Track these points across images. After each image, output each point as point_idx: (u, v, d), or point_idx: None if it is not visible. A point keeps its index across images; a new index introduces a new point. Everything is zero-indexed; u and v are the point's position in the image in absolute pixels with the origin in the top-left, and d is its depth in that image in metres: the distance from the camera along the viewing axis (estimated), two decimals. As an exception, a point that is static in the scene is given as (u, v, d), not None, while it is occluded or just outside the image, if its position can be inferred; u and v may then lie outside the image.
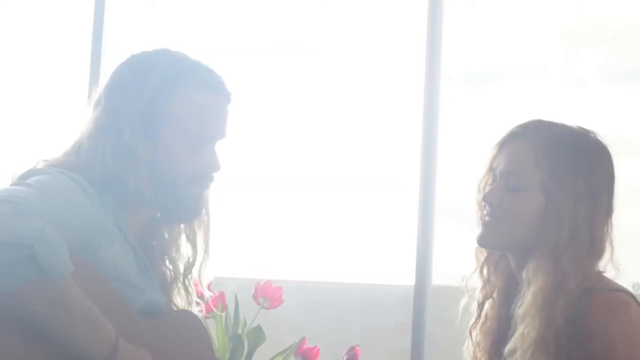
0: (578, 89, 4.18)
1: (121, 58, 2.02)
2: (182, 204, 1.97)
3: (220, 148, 2.02)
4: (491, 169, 2.09)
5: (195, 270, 2.06)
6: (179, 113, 1.94)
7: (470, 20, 4.24)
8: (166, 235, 2.06)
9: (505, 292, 2.10)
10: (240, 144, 4.25)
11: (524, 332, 1.95)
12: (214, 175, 2.01)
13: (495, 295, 2.11)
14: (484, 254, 2.12)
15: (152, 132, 1.93)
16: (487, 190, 2.08)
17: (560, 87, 4.18)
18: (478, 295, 2.14)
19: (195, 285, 2.12)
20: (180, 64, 1.98)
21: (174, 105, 1.94)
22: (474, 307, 2.14)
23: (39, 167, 1.91)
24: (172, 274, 2.05)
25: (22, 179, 1.84)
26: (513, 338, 1.98)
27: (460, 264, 2.19)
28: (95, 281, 1.79)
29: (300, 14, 4.50)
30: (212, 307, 2.14)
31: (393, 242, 4.22)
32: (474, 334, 2.13)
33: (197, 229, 2.06)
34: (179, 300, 2.05)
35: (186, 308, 2.05)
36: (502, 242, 2.04)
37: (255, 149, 4.35)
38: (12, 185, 1.81)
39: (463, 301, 2.15)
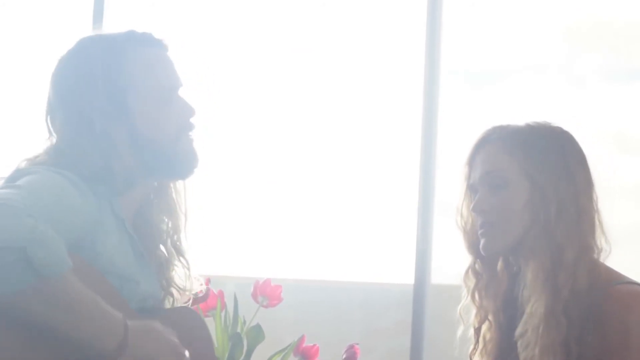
0: (578, 89, 4.18)
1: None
2: (175, 161, 1.97)
3: (186, 95, 2.02)
4: (469, 187, 2.11)
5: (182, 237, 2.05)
6: (135, 78, 1.94)
7: (470, 20, 4.24)
8: (158, 212, 2.04)
9: (500, 312, 2.12)
10: (240, 143, 4.25)
11: (532, 310, 1.97)
12: (192, 120, 2.00)
13: (490, 317, 2.13)
14: (472, 280, 2.14)
15: (120, 108, 1.92)
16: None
17: (560, 87, 4.18)
18: (473, 321, 2.15)
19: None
20: (109, 38, 1.98)
21: (126, 73, 1.93)
22: (471, 333, 2.16)
23: (22, 166, 1.90)
24: (167, 255, 2.04)
25: (10, 180, 1.82)
26: (522, 320, 2.00)
27: (459, 263, 2.18)
28: (92, 279, 1.76)
29: (299, 14, 4.50)
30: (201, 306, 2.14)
31: (392, 241, 4.22)
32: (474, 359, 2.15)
33: (176, 197, 2.05)
34: (178, 280, 2.04)
35: (186, 284, 2.04)
36: (507, 242, 2.05)
37: (256, 148, 4.35)
38: (1, 188, 1.77)
39: (459, 331, 2.16)
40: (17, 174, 1.83)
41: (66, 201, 1.79)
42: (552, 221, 2.00)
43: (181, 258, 2.04)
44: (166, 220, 2.04)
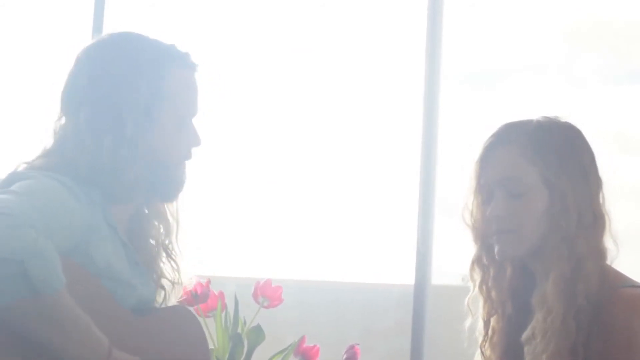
0: (578, 89, 4.19)
1: (83, 47, 1.98)
2: (172, 184, 1.98)
3: (199, 124, 2.03)
4: (480, 186, 2.08)
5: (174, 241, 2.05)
6: (170, 95, 1.94)
7: (470, 20, 4.24)
8: (155, 222, 2.04)
9: (508, 303, 2.11)
10: (241, 144, 4.25)
11: (545, 319, 1.96)
12: (193, 150, 2.00)
13: (499, 309, 2.12)
14: (479, 273, 2.13)
15: (151, 121, 1.92)
16: (483, 207, 2.08)
17: (560, 87, 4.19)
18: (482, 313, 2.14)
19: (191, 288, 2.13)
20: (157, 48, 1.97)
21: (164, 89, 1.93)
22: (480, 325, 2.15)
23: (19, 169, 1.88)
24: (158, 252, 2.04)
25: (5, 184, 1.80)
26: (531, 325, 1.99)
27: (460, 264, 2.18)
28: (84, 283, 1.77)
29: (300, 14, 4.51)
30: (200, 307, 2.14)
31: (393, 242, 4.22)
32: (484, 351, 2.14)
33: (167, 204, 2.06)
34: (168, 274, 2.04)
35: (175, 279, 2.04)
36: (523, 249, 2.04)
37: (256, 148, 4.35)
38: None
39: (468, 322, 2.15)
40: (13, 177, 1.82)
41: (61, 207, 1.78)
42: (572, 230, 1.98)
43: (170, 260, 2.04)
44: (157, 224, 2.04)
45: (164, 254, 2.04)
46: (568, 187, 2.00)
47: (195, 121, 2.01)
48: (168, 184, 1.97)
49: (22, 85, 4.63)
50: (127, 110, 1.90)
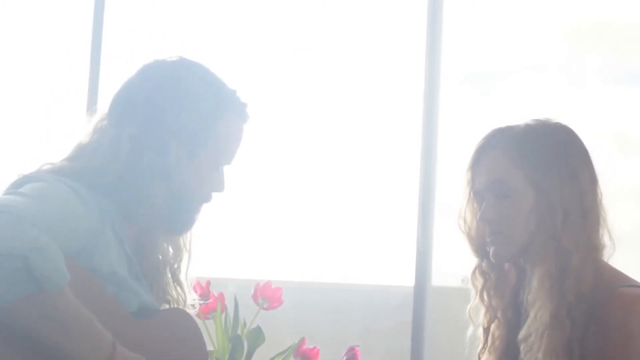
0: (578, 89, 4.19)
1: (151, 62, 1.97)
2: (185, 221, 1.98)
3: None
4: (472, 192, 2.10)
5: (183, 269, 2.06)
6: (217, 139, 1.94)
7: (470, 20, 4.25)
8: (164, 243, 2.05)
9: (508, 309, 2.12)
10: (241, 145, 4.25)
11: (536, 316, 1.98)
12: (214, 195, 2.01)
13: (499, 315, 2.13)
14: (480, 280, 2.14)
15: (191, 157, 1.93)
16: (476, 214, 2.09)
17: (560, 87, 4.19)
18: (482, 320, 2.15)
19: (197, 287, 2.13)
20: (221, 89, 1.97)
21: (215, 131, 1.94)
22: (480, 332, 2.15)
23: (43, 169, 1.89)
24: (164, 269, 2.05)
25: (18, 185, 1.81)
26: (526, 324, 2.00)
27: (460, 265, 2.19)
28: (87, 284, 1.77)
29: (300, 14, 4.51)
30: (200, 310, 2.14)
31: (393, 243, 4.22)
32: (483, 358, 2.14)
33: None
34: (172, 292, 2.05)
35: (179, 303, 2.05)
36: (515, 249, 2.05)
37: (256, 149, 4.35)
38: (6, 194, 1.78)
39: (470, 331, 2.16)
40: (26, 179, 1.83)
41: (69, 212, 1.78)
42: (558, 227, 1.99)
43: (176, 286, 2.05)
44: (166, 245, 2.05)
45: (170, 277, 2.05)
46: (554, 187, 2.01)
47: (226, 169, 2.01)
48: (180, 221, 1.97)
49: (22, 85, 4.63)
50: (174, 141, 1.90)
